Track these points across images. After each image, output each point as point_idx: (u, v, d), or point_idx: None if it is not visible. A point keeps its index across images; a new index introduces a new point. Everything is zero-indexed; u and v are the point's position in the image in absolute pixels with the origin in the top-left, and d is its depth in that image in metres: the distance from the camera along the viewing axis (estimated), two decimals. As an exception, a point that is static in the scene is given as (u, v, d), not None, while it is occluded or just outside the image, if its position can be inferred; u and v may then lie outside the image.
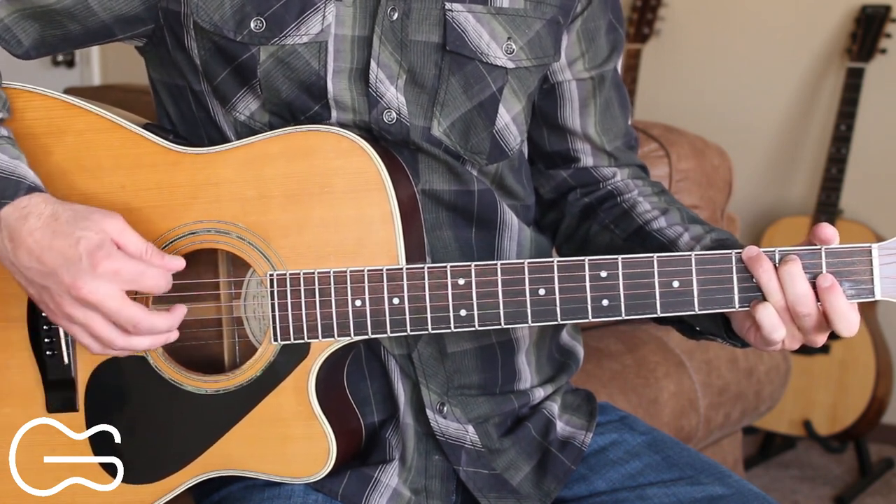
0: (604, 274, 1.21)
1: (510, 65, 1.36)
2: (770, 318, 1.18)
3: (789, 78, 3.69)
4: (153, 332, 1.22)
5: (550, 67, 1.42)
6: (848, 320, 1.17)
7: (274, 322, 1.25)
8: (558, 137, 1.47)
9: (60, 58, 4.24)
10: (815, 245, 1.19)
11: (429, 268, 1.23)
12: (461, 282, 1.22)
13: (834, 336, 1.19)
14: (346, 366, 1.33)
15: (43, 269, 1.18)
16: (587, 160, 1.48)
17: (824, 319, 1.18)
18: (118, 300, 1.18)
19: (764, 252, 1.19)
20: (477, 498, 1.39)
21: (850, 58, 3.47)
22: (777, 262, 1.19)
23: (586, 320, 1.22)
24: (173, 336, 1.24)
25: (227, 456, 1.29)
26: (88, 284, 1.17)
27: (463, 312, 1.23)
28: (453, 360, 1.38)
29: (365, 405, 1.37)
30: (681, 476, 1.40)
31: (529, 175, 1.49)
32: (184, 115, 1.38)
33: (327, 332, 1.24)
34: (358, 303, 1.24)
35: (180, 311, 1.24)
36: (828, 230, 1.18)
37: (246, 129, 1.33)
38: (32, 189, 1.21)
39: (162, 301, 1.30)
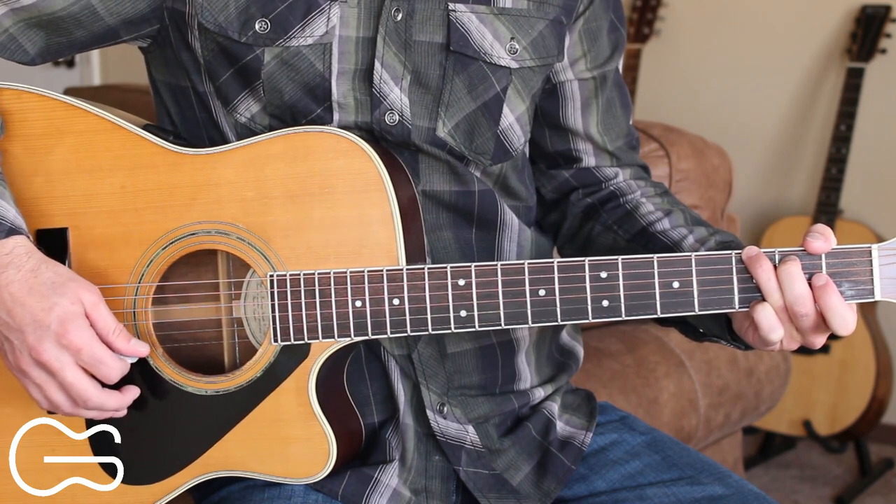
0: (604, 275, 1.21)
1: (514, 65, 1.36)
2: (768, 319, 1.18)
3: (789, 78, 3.70)
4: (101, 410, 1.25)
5: (552, 67, 1.42)
6: (843, 318, 1.17)
7: (274, 323, 1.25)
8: (560, 137, 1.47)
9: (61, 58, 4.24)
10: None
11: (429, 268, 1.23)
12: (461, 282, 1.22)
13: (834, 336, 1.19)
14: (346, 366, 1.33)
15: (10, 323, 1.20)
16: (589, 160, 1.48)
17: (821, 319, 1.18)
18: (74, 374, 1.21)
19: (764, 252, 1.19)
20: (477, 498, 1.39)
21: (850, 58, 3.47)
22: (776, 262, 1.19)
23: (586, 321, 1.22)
24: (121, 414, 1.27)
25: (227, 456, 1.29)
26: (50, 352, 1.19)
27: (463, 313, 1.23)
28: (453, 360, 1.38)
29: (365, 406, 1.37)
30: (681, 476, 1.40)
31: (531, 175, 1.49)
32: (185, 116, 1.38)
33: (327, 333, 1.25)
34: (358, 303, 1.24)
35: (131, 394, 1.27)
36: (816, 244, 1.18)
37: (246, 131, 1.33)
38: (13, 231, 1.21)
39: (162, 303, 1.30)
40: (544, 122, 1.47)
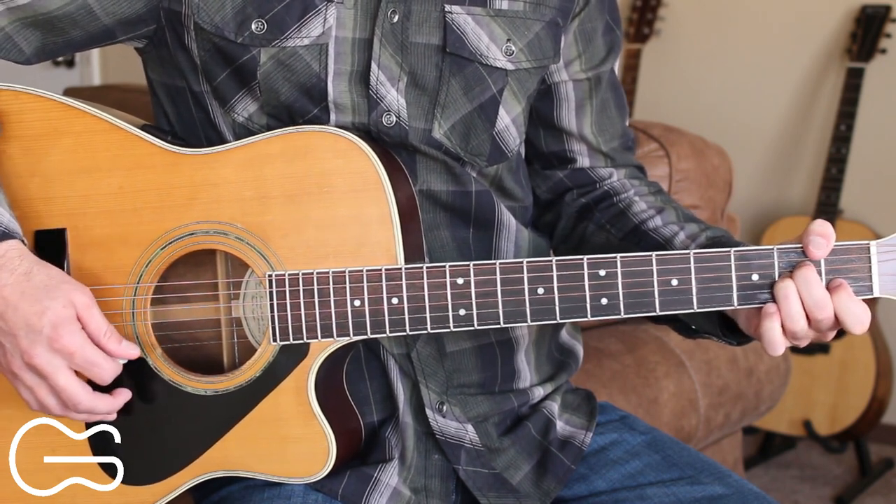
0: (602, 273, 1.21)
1: (510, 66, 1.36)
2: (770, 334, 1.18)
3: (789, 78, 3.70)
4: (91, 413, 1.25)
5: (548, 69, 1.42)
6: (857, 316, 1.17)
7: (273, 322, 1.25)
8: (555, 138, 1.47)
9: (60, 58, 4.24)
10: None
11: (427, 268, 1.23)
12: (460, 281, 1.22)
13: (839, 334, 1.20)
14: (345, 366, 1.33)
15: (2, 327, 1.20)
16: (583, 161, 1.48)
17: (836, 319, 1.19)
18: (66, 378, 1.21)
19: (762, 249, 1.19)
20: (476, 497, 1.39)
21: (850, 58, 3.47)
22: (776, 258, 1.19)
23: (585, 319, 1.22)
24: (111, 417, 1.27)
25: (226, 456, 1.29)
26: (42, 356, 1.19)
27: (462, 312, 1.23)
28: (452, 359, 1.38)
29: (364, 405, 1.37)
30: (681, 476, 1.40)
31: (527, 176, 1.49)
32: (182, 116, 1.38)
33: (326, 333, 1.25)
34: (357, 303, 1.24)
35: (123, 398, 1.27)
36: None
37: (244, 131, 1.33)
38: (6, 235, 1.21)
39: (161, 303, 1.30)
40: (539, 123, 1.47)
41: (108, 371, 1.22)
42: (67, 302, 1.20)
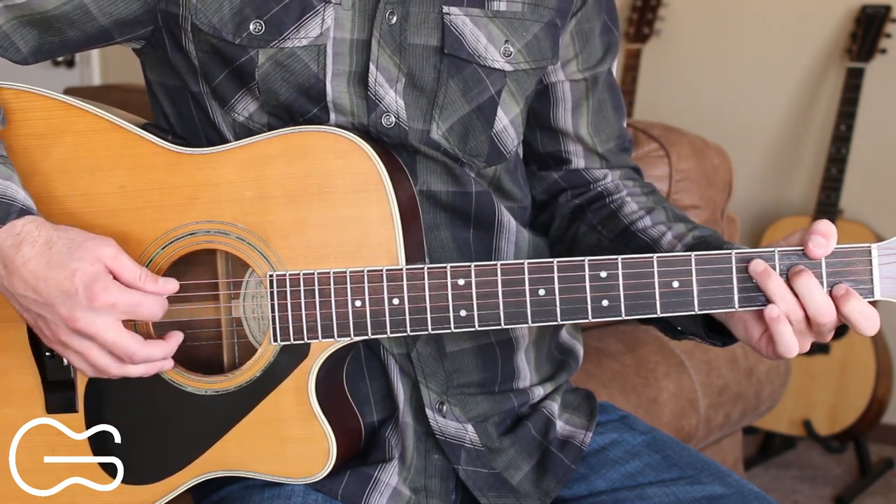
0: (603, 274, 1.21)
1: (508, 68, 1.36)
2: (783, 337, 1.18)
3: (789, 78, 3.70)
4: (148, 361, 1.23)
5: (546, 69, 1.42)
6: (869, 319, 1.17)
7: (274, 323, 1.25)
8: (551, 139, 1.47)
9: (60, 58, 4.24)
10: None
11: (429, 268, 1.23)
12: (461, 282, 1.22)
13: (839, 335, 1.19)
14: (345, 366, 1.34)
15: (38, 300, 1.19)
16: (579, 162, 1.48)
17: (840, 322, 1.18)
18: (114, 332, 1.20)
19: (762, 251, 1.19)
20: (476, 497, 1.39)
21: (850, 58, 3.47)
22: (777, 262, 1.19)
23: (586, 320, 1.22)
24: (168, 364, 1.26)
25: (227, 456, 1.29)
26: (85, 317, 1.18)
27: (463, 313, 1.23)
28: (452, 359, 1.38)
29: (364, 405, 1.37)
30: (680, 475, 1.40)
31: (525, 176, 1.49)
32: (182, 116, 1.38)
33: (327, 333, 1.25)
34: (358, 303, 1.24)
35: (176, 339, 1.26)
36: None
37: (244, 130, 1.33)
38: (24, 212, 1.21)
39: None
40: (535, 124, 1.47)
41: (154, 306, 1.21)
42: (94, 258, 1.19)
